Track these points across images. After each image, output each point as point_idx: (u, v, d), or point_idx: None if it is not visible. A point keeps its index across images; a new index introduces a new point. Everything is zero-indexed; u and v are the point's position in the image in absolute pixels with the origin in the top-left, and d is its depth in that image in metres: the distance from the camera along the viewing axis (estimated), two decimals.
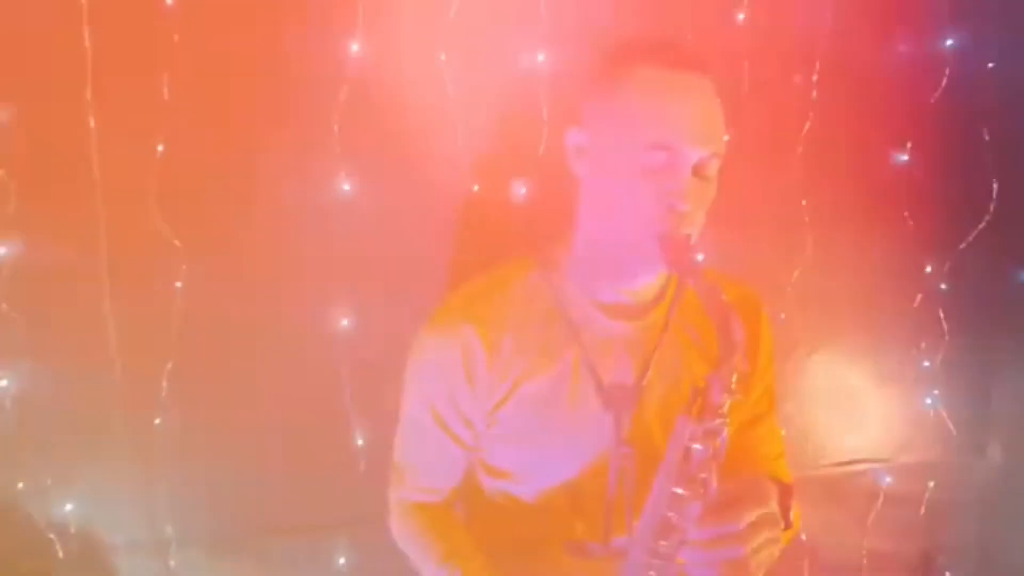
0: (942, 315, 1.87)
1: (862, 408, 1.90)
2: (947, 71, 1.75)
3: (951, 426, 1.94)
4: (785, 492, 1.14)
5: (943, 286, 1.86)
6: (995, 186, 1.81)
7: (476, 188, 1.57)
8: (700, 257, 1.69)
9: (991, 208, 1.82)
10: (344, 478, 1.60)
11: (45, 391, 1.48)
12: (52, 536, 1.50)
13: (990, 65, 1.79)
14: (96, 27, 1.39)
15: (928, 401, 1.92)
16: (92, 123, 1.41)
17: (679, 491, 1.03)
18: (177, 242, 1.47)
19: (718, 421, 1.02)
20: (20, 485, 1.48)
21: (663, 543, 1.04)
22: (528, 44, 1.53)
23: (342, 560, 1.64)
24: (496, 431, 1.26)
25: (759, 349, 1.31)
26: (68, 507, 1.51)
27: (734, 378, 1.01)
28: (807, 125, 1.70)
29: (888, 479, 1.92)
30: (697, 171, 1.10)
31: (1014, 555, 1.93)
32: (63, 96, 1.40)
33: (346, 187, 1.51)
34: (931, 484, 1.96)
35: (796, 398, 1.84)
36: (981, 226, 1.83)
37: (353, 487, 1.58)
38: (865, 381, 1.89)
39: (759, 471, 1.33)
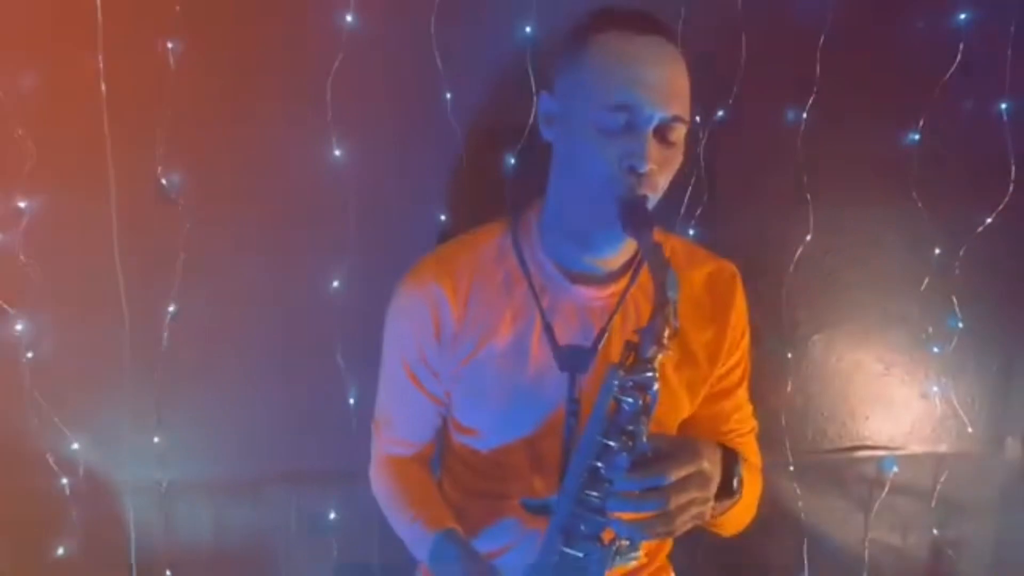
0: (955, 301, 1.81)
1: (868, 393, 1.86)
2: (961, 46, 1.69)
3: (964, 417, 1.88)
4: (731, 458, 1.14)
5: (957, 271, 1.80)
6: (1013, 168, 1.75)
7: (464, 157, 1.61)
8: (690, 232, 1.70)
9: (1009, 191, 1.76)
10: (338, 433, 1.67)
11: (58, 337, 1.59)
12: (58, 470, 1.62)
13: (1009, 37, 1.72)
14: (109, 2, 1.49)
15: (935, 388, 1.87)
16: (103, 89, 1.51)
17: (609, 443, 1.05)
18: (180, 201, 1.57)
19: (648, 374, 1.03)
20: (34, 424, 1.60)
21: (592, 494, 1.06)
22: (518, 16, 1.57)
23: (332, 515, 1.71)
24: (462, 387, 1.30)
25: (729, 321, 1.32)
26: (75, 446, 1.62)
27: (666, 333, 1.02)
28: (810, 100, 1.67)
29: (895, 468, 1.87)
30: (659, 134, 1.12)
31: None
32: (77, 65, 1.50)
33: (337, 152, 1.58)
34: (943, 476, 1.90)
35: (797, 379, 1.81)
36: (1000, 208, 1.77)
37: (346, 443, 1.66)
38: (871, 366, 1.85)
39: (728, 443, 1.34)
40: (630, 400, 1.04)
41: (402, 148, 1.61)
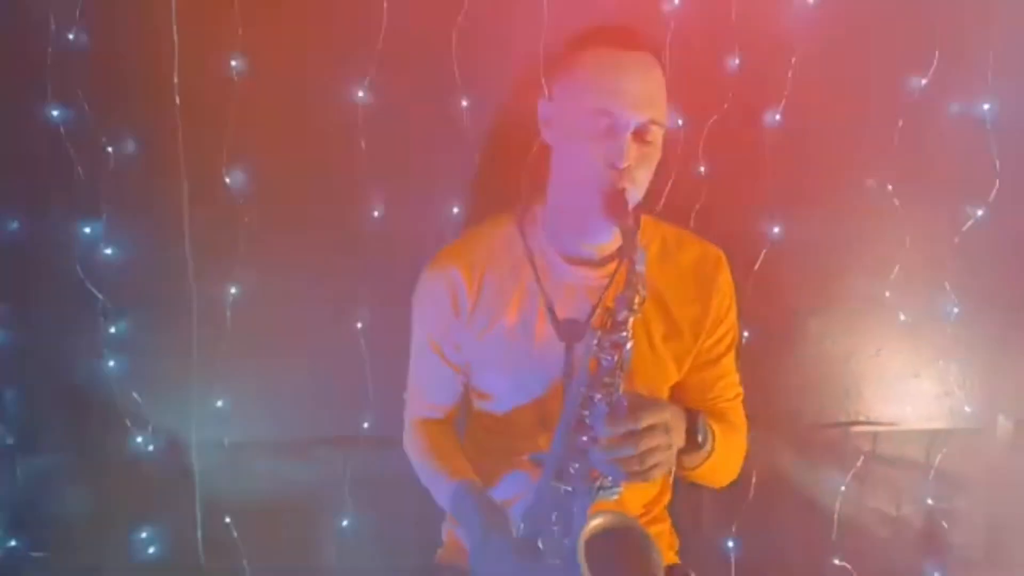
0: (948, 287, 1.94)
1: (862, 373, 1.99)
2: (937, 53, 1.83)
3: (957, 396, 2.01)
4: (693, 417, 1.33)
5: (951, 261, 1.93)
6: (998, 164, 1.88)
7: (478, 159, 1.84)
8: (690, 224, 1.87)
9: (996, 186, 1.88)
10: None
11: (135, 316, 1.86)
12: (133, 431, 1.88)
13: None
14: (182, 25, 1.74)
15: (928, 369, 1.99)
16: (177, 101, 1.76)
17: (591, 394, 1.24)
18: (241, 200, 1.82)
19: (622, 334, 1.22)
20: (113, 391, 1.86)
21: (579, 438, 1.25)
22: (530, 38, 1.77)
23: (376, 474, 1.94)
24: (479, 358, 1.51)
25: (712, 300, 1.49)
26: (147, 410, 1.87)
27: (637, 300, 1.21)
28: (782, 104, 1.83)
29: (890, 443, 2.01)
30: (637, 135, 1.30)
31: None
32: (155, 80, 1.75)
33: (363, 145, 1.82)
34: (937, 451, 2.02)
35: (794, 357, 1.96)
36: (989, 201, 1.89)
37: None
38: (865, 347, 1.98)
39: (713, 407, 1.52)
40: (608, 357, 1.23)
41: (422, 151, 1.84)
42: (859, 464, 2.00)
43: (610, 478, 1.24)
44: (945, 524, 2.04)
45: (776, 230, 1.89)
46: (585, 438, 1.25)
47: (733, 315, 1.54)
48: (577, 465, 1.26)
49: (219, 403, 1.88)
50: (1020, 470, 2.04)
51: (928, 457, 2.03)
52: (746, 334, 1.90)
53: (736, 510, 1.94)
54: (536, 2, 1.76)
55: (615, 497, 1.25)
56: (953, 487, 2.04)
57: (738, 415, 1.56)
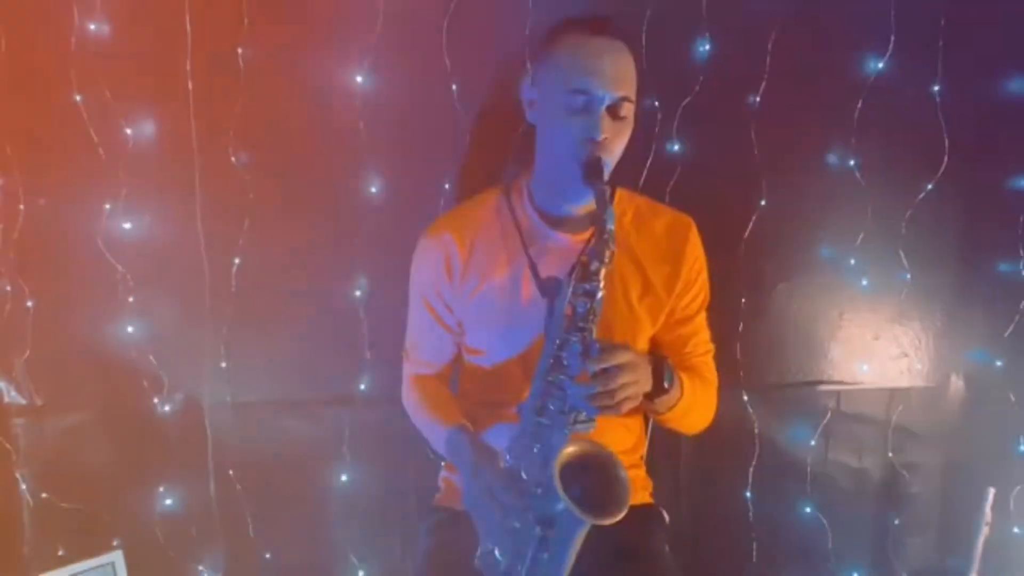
0: (903, 256, 2.11)
1: (827, 335, 2.15)
2: (892, 38, 1.99)
3: (913, 356, 2.18)
4: (659, 363, 1.49)
5: (904, 231, 2.10)
6: (947, 142, 2.04)
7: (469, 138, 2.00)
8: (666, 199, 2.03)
9: (944, 162, 2.04)
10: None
11: (150, 285, 2.00)
12: (149, 391, 2.03)
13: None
14: (194, 17, 1.89)
15: (887, 332, 2.16)
16: (190, 86, 1.91)
17: (568, 337, 1.40)
18: (247, 176, 1.97)
19: (594, 284, 1.38)
20: (132, 355, 2.01)
21: (557, 376, 1.41)
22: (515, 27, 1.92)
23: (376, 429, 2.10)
24: (470, 316, 1.66)
25: (683, 262, 1.64)
26: (162, 372, 2.03)
27: (607, 253, 1.37)
28: (762, 85, 1.99)
29: (851, 400, 2.17)
30: (611, 111, 1.47)
31: (975, 478, 2.11)
32: (168, 68, 1.91)
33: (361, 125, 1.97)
34: (895, 408, 2.19)
35: (764, 321, 2.12)
36: (938, 176, 2.05)
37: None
38: (829, 311, 2.14)
39: (686, 362, 1.67)
40: (582, 304, 1.39)
41: (417, 132, 2.00)
42: (824, 420, 2.17)
43: (584, 413, 1.40)
44: (904, 475, 2.21)
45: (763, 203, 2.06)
46: (562, 377, 1.41)
47: (704, 277, 1.69)
48: (555, 402, 1.42)
49: (223, 364, 2.03)
50: (971, 424, 2.22)
51: (888, 413, 2.20)
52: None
53: (710, 460, 2.11)
54: None
55: (590, 430, 1.41)
56: (911, 440, 2.21)
57: (709, 369, 1.72)
